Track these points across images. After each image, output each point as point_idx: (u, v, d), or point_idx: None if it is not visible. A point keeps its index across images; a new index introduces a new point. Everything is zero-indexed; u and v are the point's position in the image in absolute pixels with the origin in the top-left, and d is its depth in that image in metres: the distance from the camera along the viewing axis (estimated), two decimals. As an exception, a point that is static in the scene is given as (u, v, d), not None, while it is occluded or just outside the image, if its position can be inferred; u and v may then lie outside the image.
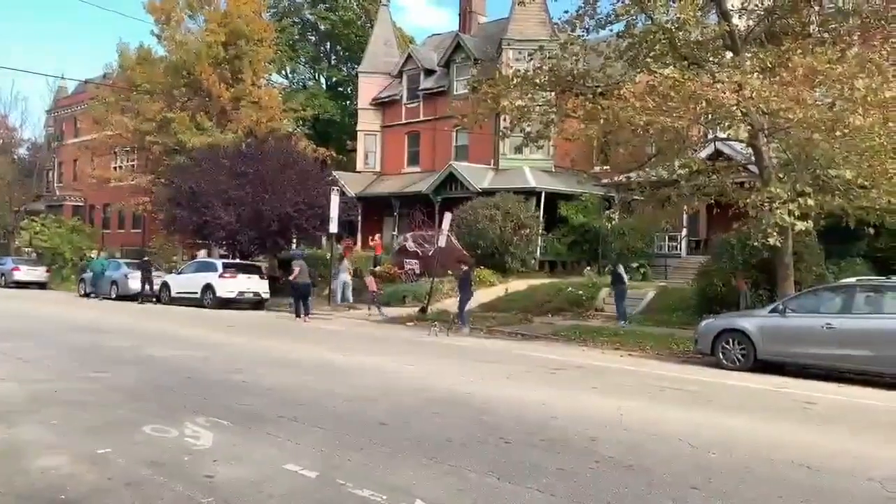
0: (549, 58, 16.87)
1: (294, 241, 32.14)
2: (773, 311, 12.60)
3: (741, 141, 16.29)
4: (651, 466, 5.67)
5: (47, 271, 36.72)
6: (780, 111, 12.83)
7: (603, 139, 17.32)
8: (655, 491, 5.07)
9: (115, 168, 43.56)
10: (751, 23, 15.81)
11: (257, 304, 25.11)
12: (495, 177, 30.71)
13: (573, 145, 18.98)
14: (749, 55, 14.85)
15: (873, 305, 11.68)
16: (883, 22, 14.04)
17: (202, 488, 4.76)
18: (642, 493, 5.02)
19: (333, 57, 52.80)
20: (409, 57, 37.39)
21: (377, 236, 31.65)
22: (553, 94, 17.18)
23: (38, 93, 68.18)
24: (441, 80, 35.52)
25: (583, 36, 16.62)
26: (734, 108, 12.96)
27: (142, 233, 44.20)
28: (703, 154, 19.65)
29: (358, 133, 39.36)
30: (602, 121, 14.72)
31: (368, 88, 38.90)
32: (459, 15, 39.20)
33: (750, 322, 12.69)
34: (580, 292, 21.20)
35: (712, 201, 16.74)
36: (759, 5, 15.56)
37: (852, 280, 12.92)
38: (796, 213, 13.03)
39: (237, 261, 27.20)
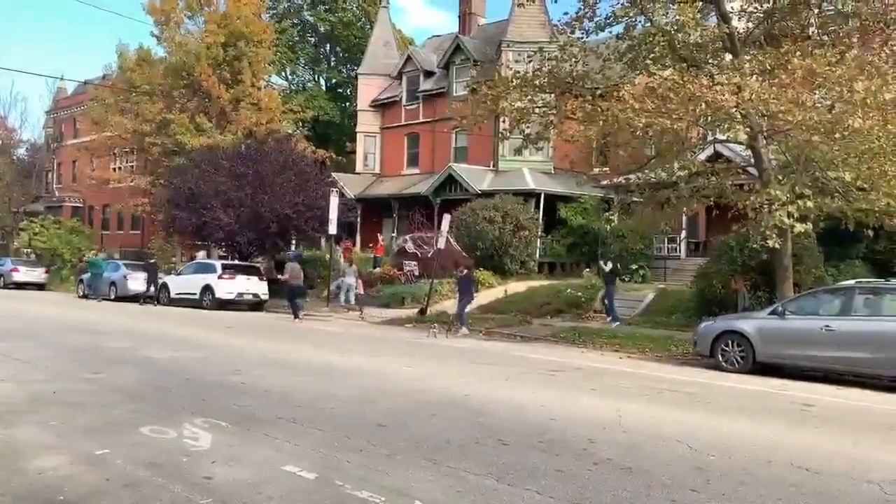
0: (548, 59, 16.89)
1: (293, 242, 32.16)
2: (772, 313, 12.60)
3: (740, 143, 16.30)
4: (650, 468, 5.66)
5: (46, 272, 36.71)
6: (780, 113, 12.84)
7: (602, 141, 17.32)
8: (654, 493, 5.06)
9: (114, 169, 43.56)
10: (750, 25, 15.83)
11: (256, 305, 25.11)
12: (494, 178, 30.73)
13: (572, 147, 18.97)
14: (748, 57, 14.84)
15: (872, 308, 11.69)
16: (882, 24, 14.07)
17: (200, 489, 4.75)
18: (641, 495, 5.02)
19: (333, 58, 52.83)
20: (409, 58, 37.41)
21: (380, 238, 31.66)
22: (552, 95, 17.20)
23: (38, 93, 68.62)
24: (440, 82, 35.53)
25: (582, 38, 16.65)
26: (733, 110, 12.97)
27: (141, 234, 44.21)
28: (703, 156, 19.67)
29: (357, 134, 39.37)
30: (601, 122, 14.73)
31: (368, 90, 38.93)
32: (459, 16, 39.22)
33: (749, 324, 12.69)
34: (579, 294, 21.22)
35: (711, 203, 16.75)
36: (759, 8, 15.58)
37: (851, 282, 12.94)
38: (795, 215, 13.04)
39: (236, 262, 27.20)
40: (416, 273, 26.10)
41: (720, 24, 15.40)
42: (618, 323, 18.51)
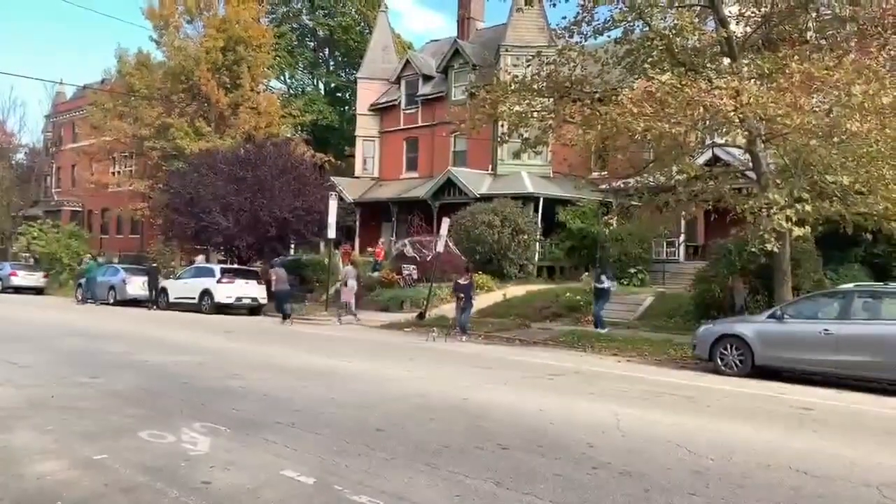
0: (546, 64, 16.92)
1: (292, 246, 32.15)
2: (770, 316, 12.60)
3: (739, 147, 16.33)
4: (648, 472, 5.66)
5: (45, 276, 36.70)
6: (778, 117, 12.86)
7: (601, 145, 17.34)
8: (653, 497, 5.06)
9: (113, 173, 43.56)
10: (748, 29, 15.86)
11: (255, 309, 25.10)
12: (493, 182, 30.74)
13: (571, 151, 19.00)
14: (746, 62, 14.90)
15: (871, 311, 11.68)
16: (879, 29, 14.09)
17: (199, 494, 4.74)
18: (640, 499, 5.02)
19: (332, 63, 52.90)
20: (408, 63, 37.45)
21: (381, 241, 31.65)
22: (551, 99, 17.22)
23: (37, 98, 68.54)
24: (439, 86, 35.57)
25: (580, 42, 16.67)
26: (732, 114, 12.99)
27: (140, 238, 44.19)
28: (701, 160, 19.68)
29: (356, 138, 39.40)
30: (600, 127, 14.76)
31: (367, 94, 38.97)
32: (458, 21, 39.28)
33: (748, 328, 12.68)
34: (578, 298, 21.19)
35: (710, 207, 16.78)
36: (756, 12, 15.62)
37: (850, 286, 12.93)
38: (794, 218, 13.05)
39: (235, 266, 27.20)
40: (415, 277, 26.09)
41: (718, 29, 15.44)
42: (607, 329, 18.39)
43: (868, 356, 11.12)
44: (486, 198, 28.28)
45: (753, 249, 14.47)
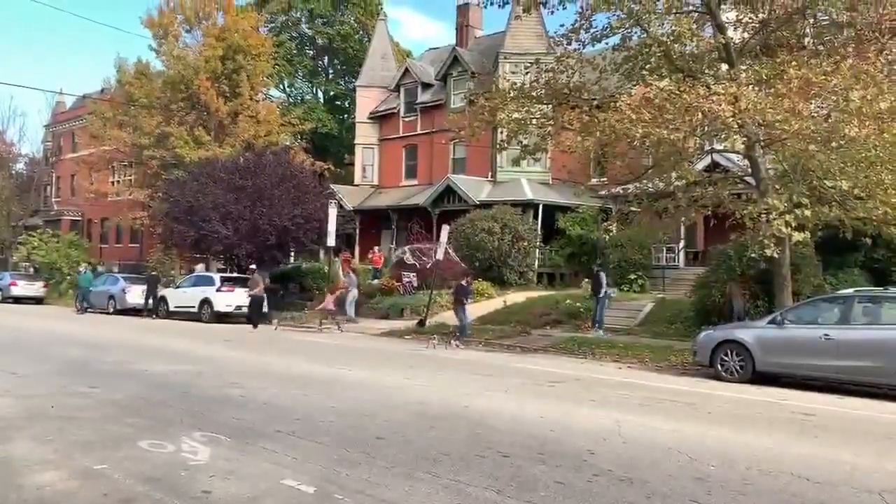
0: (545, 71, 16.94)
1: (292, 254, 32.15)
2: (771, 322, 12.60)
3: (737, 152, 16.34)
4: (650, 479, 5.64)
5: (45, 286, 36.67)
6: (776, 123, 12.88)
7: (600, 151, 17.37)
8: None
9: (112, 182, 43.55)
10: (746, 35, 15.89)
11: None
12: (493, 189, 30.76)
13: (570, 157, 19.02)
14: (744, 67, 14.92)
15: (871, 316, 11.69)
16: (877, 34, 14.12)
17: (198, 504, 4.73)
18: (641, 506, 5.00)
19: (331, 71, 53.01)
20: (407, 71, 37.53)
21: (376, 249, 31.68)
22: (549, 106, 17.24)
23: (37, 108, 68.59)
24: (438, 94, 35.64)
25: (579, 49, 16.68)
26: (730, 119, 13.00)
27: (139, 247, 44.17)
28: (700, 166, 19.70)
29: (355, 146, 39.45)
30: (598, 133, 14.78)
31: (366, 102, 39.04)
32: (456, 29, 39.35)
33: (748, 333, 12.67)
34: (578, 304, 21.18)
35: (709, 213, 16.78)
36: (754, 18, 15.65)
37: (850, 291, 12.93)
38: (793, 224, 13.06)
39: (235, 275, 27.18)
40: (415, 284, 26.08)
41: (716, 35, 15.46)
42: (599, 332, 18.49)
43: (868, 361, 11.11)
44: (486, 205, 28.29)
45: (753, 255, 14.46)
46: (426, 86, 36.55)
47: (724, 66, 15.55)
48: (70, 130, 52.66)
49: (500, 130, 19.53)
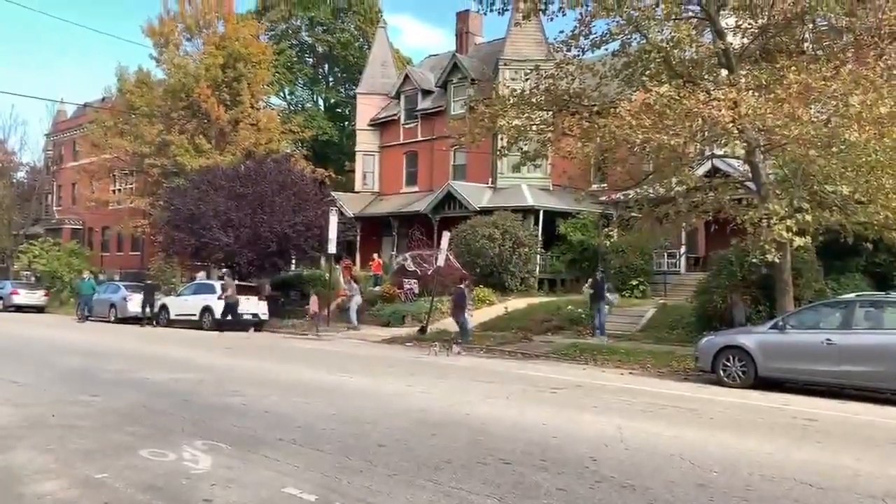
0: (545, 77, 16.98)
1: (293, 261, 32.16)
2: (773, 327, 12.58)
3: (738, 158, 16.34)
4: (652, 486, 5.62)
5: (46, 295, 36.66)
6: (776, 128, 12.90)
7: (600, 157, 17.38)
8: (657, 511, 5.03)
9: (113, 191, 43.64)
10: (745, 41, 15.92)
11: (256, 325, 25.03)
12: (493, 196, 30.77)
13: (570, 163, 19.04)
14: (744, 73, 14.94)
15: (873, 321, 11.66)
16: (876, 39, 14.15)
17: (199, 513, 4.71)
18: (644, 513, 4.98)
19: (331, 78, 53.14)
20: (407, 78, 37.60)
21: (375, 256, 31.70)
22: (549, 113, 17.28)
23: (38, 117, 68.85)
24: (438, 101, 35.69)
25: (578, 55, 16.73)
26: (730, 125, 13.02)
27: (140, 255, 44.20)
28: (701, 171, 19.71)
29: (356, 153, 39.51)
30: (599, 139, 14.80)
31: (366, 109, 39.10)
32: (456, 36, 39.47)
33: (750, 338, 12.65)
34: (579, 310, 21.16)
35: (710, 218, 16.78)
36: (753, 23, 15.68)
37: (852, 296, 12.92)
38: (794, 228, 13.05)
39: (236, 282, 27.15)
40: (416, 291, 26.07)
41: (715, 41, 15.50)
42: (603, 337, 18.51)
43: (871, 366, 11.09)
44: (487, 211, 28.30)
45: (754, 260, 14.46)
46: (426, 92, 36.62)
47: (724, 72, 15.58)
48: (71, 139, 52.78)
49: (500, 137, 19.57)
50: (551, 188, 30.43)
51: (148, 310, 26.52)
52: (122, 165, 38.64)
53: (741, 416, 9.51)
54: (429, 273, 24.29)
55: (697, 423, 8.81)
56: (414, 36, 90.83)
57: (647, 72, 15.90)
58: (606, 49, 16.89)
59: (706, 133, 14.41)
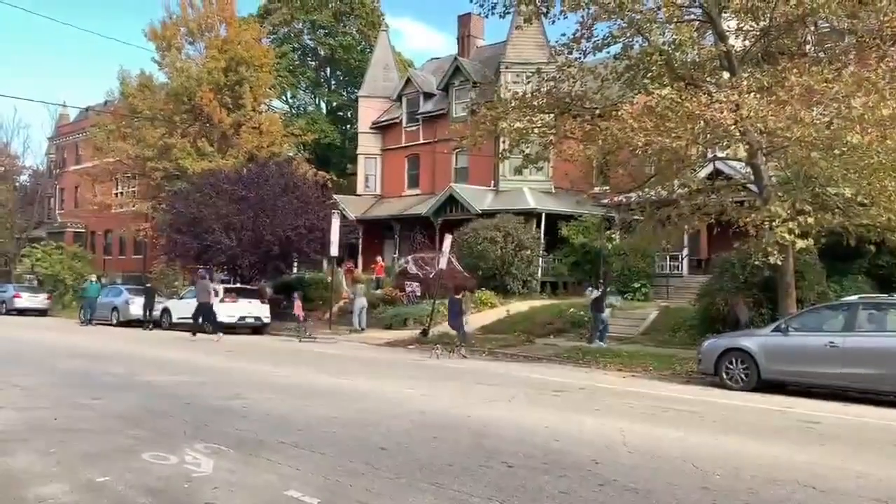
0: (546, 80, 16.97)
1: (295, 264, 32.19)
2: (775, 329, 12.55)
3: (740, 160, 16.33)
4: (655, 489, 5.61)
5: (48, 298, 36.69)
6: (778, 130, 12.88)
7: (602, 160, 17.37)
8: (660, 514, 5.01)
9: (116, 194, 43.73)
10: (747, 43, 15.91)
11: (258, 328, 25.04)
12: (495, 198, 30.78)
13: (572, 166, 19.03)
14: (746, 75, 14.93)
15: (876, 323, 11.62)
16: (878, 41, 14.12)
17: (201, 516, 4.70)
18: (646, 516, 4.96)
19: (333, 82, 53.20)
20: (409, 81, 37.66)
21: (379, 259, 31.71)
22: (551, 115, 17.26)
23: (41, 120, 69.14)
24: (440, 104, 35.73)
25: (580, 58, 16.72)
26: (732, 127, 13.01)
27: (143, 258, 44.25)
28: (703, 173, 19.70)
29: (358, 156, 39.56)
30: (601, 142, 14.79)
31: (368, 112, 39.15)
32: (458, 39, 39.53)
33: (753, 341, 12.62)
34: (582, 313, 21.14)
35: (713, 221, 16.76)
36: (755, 26, 15.67)
37: (855, 298, 12.87)
38: (796, 231, 13.03)
39: (238, 285, 27.19)
40: (418, 294, 26.07)
41: (717, 43, 15.49)
42: (599, 344, 18.44)
43: (873, 369, 11.06)
44: (489, 214, 28.30)
45: (757, 262, 14.43)
46: (428, 96, 36.66)
47: (726, 74, 15.57)
48: (73, 143, 52.90)
49: (502, 140, 19.56)
50: (553, 191, 30.45)
51: (149, 314, 26.49)
52: (124, 169, 38.72)
53: (744, 419, 9.48)
54: (431, 276, 24.31)
55: (700, 425, 8.79)
56: (416, 39, 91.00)
57: (649, 74, 15.89)
58: (608, 52, 16.90)
59: (708, 135, 14.39)
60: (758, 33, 15.67)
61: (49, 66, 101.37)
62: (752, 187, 15.97)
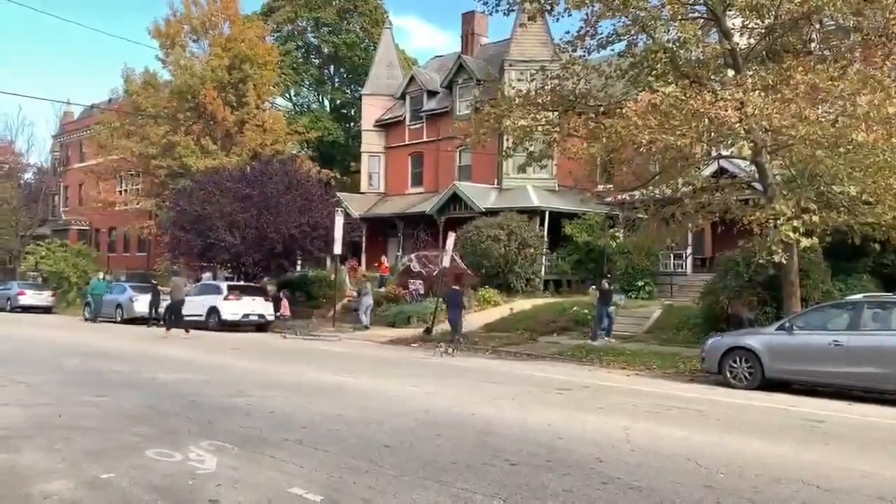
0: (550, 78, 16.95)
1: (299, 262, 32.19)
2: (779, 328, 12.52)
3: (744, 158, 16.29)
4: (658, 487, 5.60)
5: (52, 295, 36.76)
6: (783, 128, 12.85)
7: (606, 158, 17.34)
8: (664, 512, 5.01)
9: (120, 192, 43.80)
10: (752, 41, 15.86)
11: (262, 326, 25.07)
12: (499, 196, 30.74)
13: (576, 164, 19.00)
14: (750, 73, 14.88)
15: (881, 322, 11.59)
16: (884, 38, 14.07)
17: (205, 513, 4.71)
18: (650, 514, 4.96)
19: (337, 80, 53.20)
20: (412, 79, 37.63)
21: (384, 258, 31.72)
22: (555, 113, 17.24)
23: (45, 118, 69.19)
24: (444, 102, 35.70)
25: (584, 56, 16.69)
26: (737, 125, 12.97)
27: (147, 256, 44.34)
28: (707, 172, 19.65)
29: (362, 154, 39.56)
30: (605, 139, 14.76)
31: (372, 110, 39.13)
32: (461, 37, 39.50)
33: (757, 340, 12.59)
34: (585, 311, 21.12)
35: (717, 219, 16.73)
36: (760, 24, 15.62)
37: (859, 296, 12.84)
38: (801, 229, 13.00)
39: (242, 283, 27.20)
40: (422, 292, 26.06)
41: (722, 41, 15.45)
42: (603, 341, 18.44)
43: (878, 368, 11.04)
44: (492, 212, 28.26)
45: (761, 261, 14.40)
46: (432, 93, 36.63)
47: (731, 72, 15.53)
48: (78, 140, 53.00)
49: (505, 137, 19.58)
50: (557, 189, 30.40)
51: (154, 311, 26.53)
52: (128, 166, 38.78)
53: (748, 418, 9.47)
54: (434, 274, 24.30)
55: (704, 424, 8.78)
56: (420, 37, 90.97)
57: (654, 72, 15.85)
58: (612, 49, 16.86)
59: (713, 133, 14.37)
60: (763, 31, 15.62)
61: (53, 65, 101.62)
62: (757, 185, 15.93)
